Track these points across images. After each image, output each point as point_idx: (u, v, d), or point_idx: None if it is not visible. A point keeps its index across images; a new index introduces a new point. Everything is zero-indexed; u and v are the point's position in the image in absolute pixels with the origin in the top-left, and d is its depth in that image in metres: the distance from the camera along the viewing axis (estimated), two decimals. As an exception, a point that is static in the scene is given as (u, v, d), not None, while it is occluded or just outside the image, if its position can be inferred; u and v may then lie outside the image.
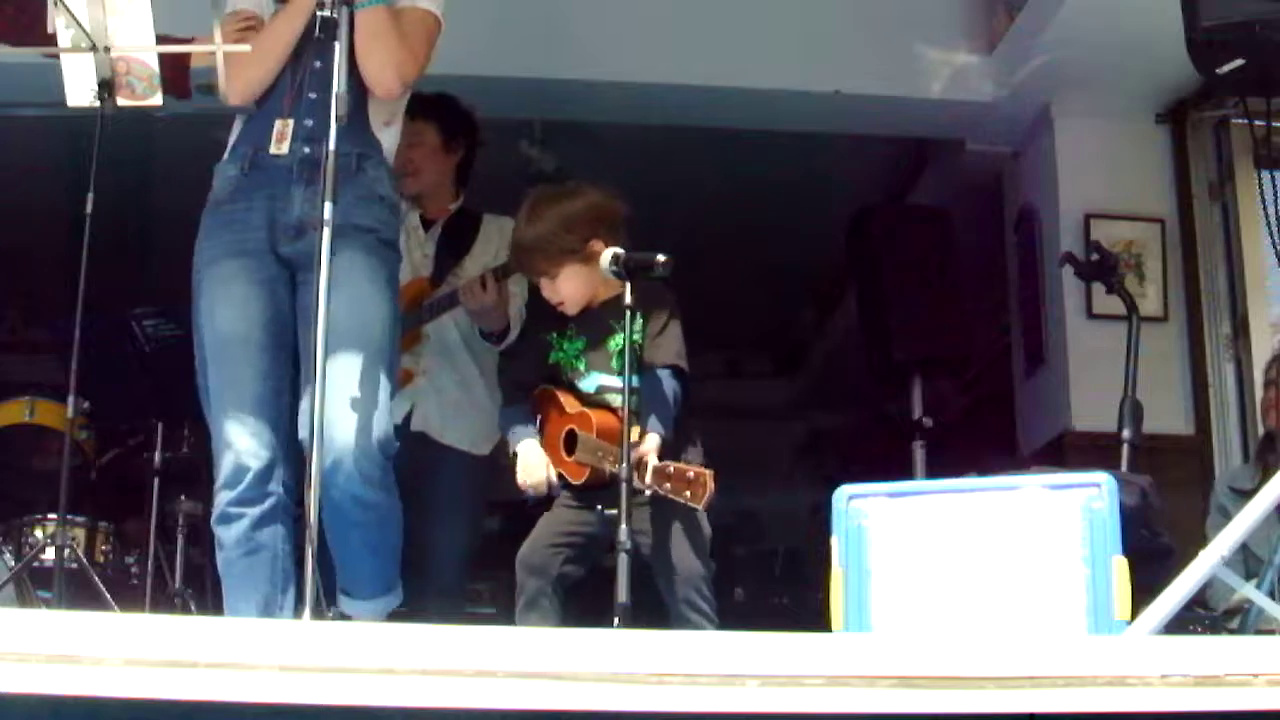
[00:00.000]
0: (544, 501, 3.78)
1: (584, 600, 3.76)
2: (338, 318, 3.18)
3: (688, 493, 3.41)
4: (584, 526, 3.65)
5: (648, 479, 3.43)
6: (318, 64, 3.45)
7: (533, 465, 3.71)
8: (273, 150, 3.44)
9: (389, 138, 3.60)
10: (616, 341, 3.65)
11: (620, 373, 3.57)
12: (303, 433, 3.27)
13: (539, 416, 3.82)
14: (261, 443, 3.36)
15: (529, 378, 3.85)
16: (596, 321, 3.72)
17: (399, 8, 3.54)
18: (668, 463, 3.46)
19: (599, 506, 3.53)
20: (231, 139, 3.60)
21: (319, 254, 3.12)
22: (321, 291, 3.10)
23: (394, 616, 3.59)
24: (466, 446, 4.31)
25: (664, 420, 3.57)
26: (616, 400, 3.60)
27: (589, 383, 3.74)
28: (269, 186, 3.44)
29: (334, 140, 3.17)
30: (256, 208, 3.44)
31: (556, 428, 3.75)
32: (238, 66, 3.46)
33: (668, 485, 3.42)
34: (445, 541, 4.21)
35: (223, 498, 3.39)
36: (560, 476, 3.70)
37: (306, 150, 3.42)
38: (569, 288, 3.72)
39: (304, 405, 3.28)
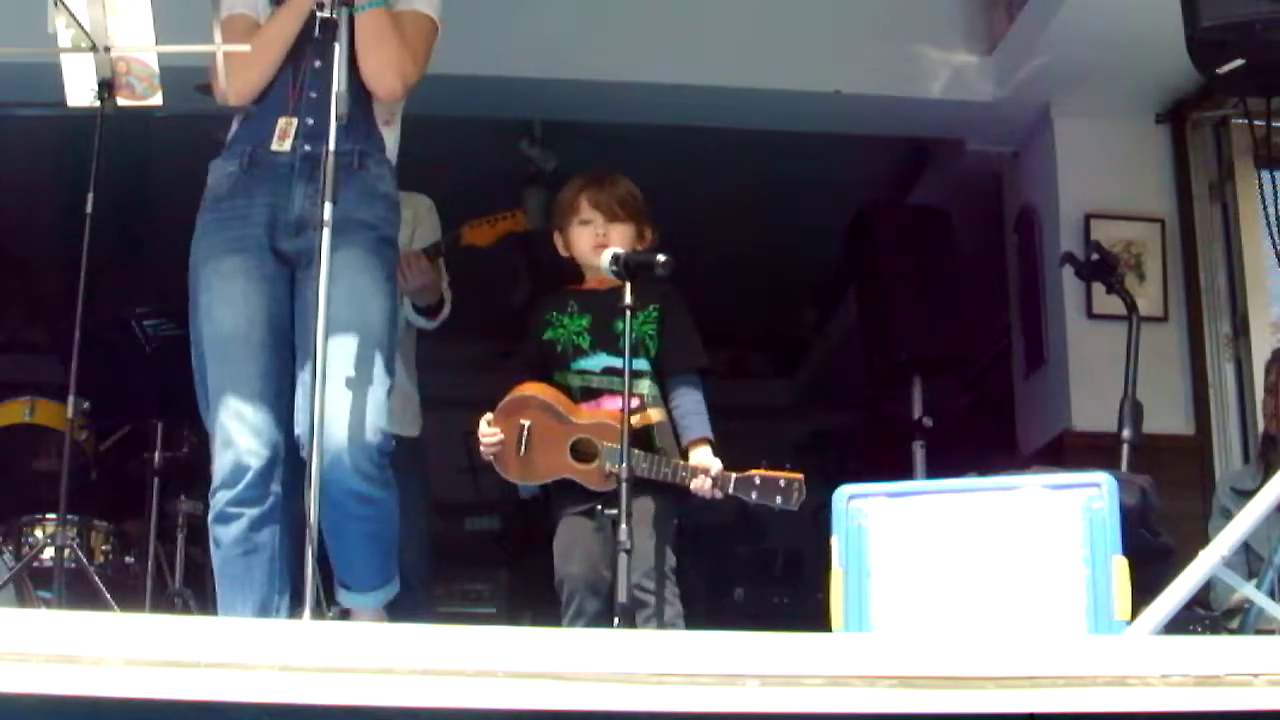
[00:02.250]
0: (538, 499, 3.78)
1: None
2: (337, 312, 3.16)
3: (779, 498, 3.47)
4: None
5: (730, 489, 3.51)
6: (318, 63, 3.44)
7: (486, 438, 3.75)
8: (274, 147, 3.43)
9: (390, 137, 3.59)
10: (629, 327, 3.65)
11: (632, 356, 3.59)
12: (299, 429, 3.26)
13: (525, 424, 3.72)
14: (263, 441, 3.32)
15: (536, 357, 3.86)
16: (604, 302, 3.70)
17: (397, 10, 3.54)
18: (752, 472, 3.52)
19: (599, 507, 3.52)
20: (230, 136, 3.58)
21: (319, 254, 3.12)
22: (322, 292, 3.10)
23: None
24: (397, 429, 4.29)
25: (706, 426, 3.65)
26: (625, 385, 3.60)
27: (594, 362, 3.73)
28: (270, 183, 3.42)
29: (334, 140, 3.17)
30: (257, 205, 3.42)
31: (559, 435, 3.69)
32: (237, 67, 3.43)
33: (754, 495, 3.49)
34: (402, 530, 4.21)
35: (221, 497, 3.33)
36: (569, 482, 3.67)
37: (308, 148, 3.39)
38: (623, 239, 3.79)
39: (300, 402, 3.27)
